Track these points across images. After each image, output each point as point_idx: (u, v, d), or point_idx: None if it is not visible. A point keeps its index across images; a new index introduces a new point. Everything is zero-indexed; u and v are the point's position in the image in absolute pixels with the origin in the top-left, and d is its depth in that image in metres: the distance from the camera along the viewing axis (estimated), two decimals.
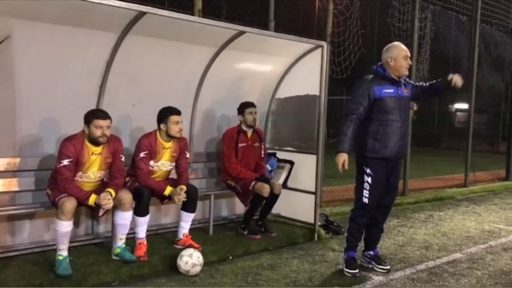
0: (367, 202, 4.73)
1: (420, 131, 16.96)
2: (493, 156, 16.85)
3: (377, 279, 4.76)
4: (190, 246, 5.04)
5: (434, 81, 4.89)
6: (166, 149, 5.05)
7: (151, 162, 5.01)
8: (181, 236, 5.22)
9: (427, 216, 7.87)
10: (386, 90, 4.64)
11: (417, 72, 9.85)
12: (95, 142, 4.41)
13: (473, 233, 6.84)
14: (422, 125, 22.27)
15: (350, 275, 4.82)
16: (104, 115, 4.42)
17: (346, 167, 4.57)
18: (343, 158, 4.52)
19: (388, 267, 4.99)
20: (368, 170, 4.70)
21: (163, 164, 5.10)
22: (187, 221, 5.23)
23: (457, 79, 4.58)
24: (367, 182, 4.70)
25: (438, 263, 5.37)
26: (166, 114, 4.95)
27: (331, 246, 5.80)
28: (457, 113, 27.31)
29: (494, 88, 14.60)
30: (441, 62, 15.68)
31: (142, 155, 4.90)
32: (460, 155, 12.72)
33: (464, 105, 22.46)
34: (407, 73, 4.73)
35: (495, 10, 12.13)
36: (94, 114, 4.40)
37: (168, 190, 4.94)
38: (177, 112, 4.97)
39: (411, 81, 4.94)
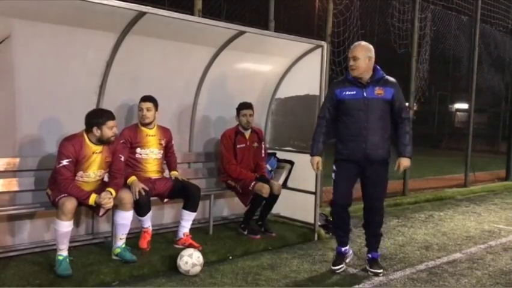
0: (333, 198, 4.88)
1: (420, 131, 16.98)
2: (493, 156, 16.85)
3: (377, 279, 4.76)
4: (190, 245, 5.05)
5: (400, 135, 4.76)
6: (151, 136, 5.15)
7: (138, 150, 5.10)
8: (181, 235, 5.23)
9: (427, 216, 7.87)
10: (347, 92, 4.69)
11: (417, 72, 9.84)
12: (104, 142, 4.45)
13: (473, 233, 6.84)
14: (422, 125, 22.29)
15: (330, 269, 4.95)
16: (113, 115, 4.49)
17: (320, 167, 4.93)
18: (315, 160, 4.86)
19: (378, 270, 4.87)
20: (334, 167, 4.89)
21: (152, 152, 5.17)
22: (188, 220, 5.24)
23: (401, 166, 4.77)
24: (332, 179, 4.90)
25: (438, 263, 5.37)
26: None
27: (331, 246, 5.79)
28: (457, 113, 27.33)
29: (494, 88, 14.59)
30: (441, 62, 15.68)
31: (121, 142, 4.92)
32: (460, 155, 12.72)
33: (464, 105, 22.48)
34: (353, 74, 4.68)
35: (495, 10, 12.13)
36: (106, 116, 4.42)
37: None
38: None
39: (395, 89, 4.71)
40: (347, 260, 5.06)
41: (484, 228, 7.16)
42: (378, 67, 4.76)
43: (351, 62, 4.67)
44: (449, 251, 5.84)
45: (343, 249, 5.00)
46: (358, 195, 5.03)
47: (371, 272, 4.86)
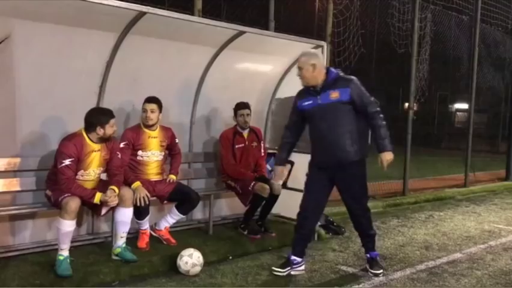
0: (302, 200, 4.82)
1: (420, 131, 17.01)
2: (493, 156, 16.84)
3: (377, 279, 4.76)
4: (167, 240, 5.18)
5: (374, 131, 4.57)
6: (153, 138, 5.13)
7: (140, 152, 5.08)
8: (162, 227, 5.27)
9: (427, 216, 7.87)
10: (305, 103, 4.66)
11: (417, 72, 9.85)
12: (105, 140, 4.49)
13: (473, 233, 6.84)
14: (422, 125, 22.30)
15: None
16: (113, 113, 4.52)
17: (284, 175, 5.11)
18: (278, 170, 4.97)
19: (377, 271, 4.82)
20: (307, 172, 4.90)
21: (153, 154, 5.16)
22: (174, 219, 5.28)
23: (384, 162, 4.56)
24: (305, 182, 4.88)
25: (438, 263, 5.37)
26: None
27: (331, 246, 5.80)
28: (457, 113, 27.32)
29: (494, 88, 14.60)
30: (441, 62, 15.69)
31: (122, 145, 4.93)
32: (460, 155, 12.70)
33: (464, 105, 22.47)
34: (302, 83, 4.66)
35: (495, 10, 12.13)
36: (109, 115, 4.46)
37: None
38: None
39: (352, 88, 4.51)
40: (293, 273, 4.74)
41: (484, 228, 7.16)
42: (331, 69, 4.65)
43: (298, 73, 4.66)
44: (449, 251, 5.84)
45: (292, 257, 4.76)
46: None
47: (371, 272, 4.84)
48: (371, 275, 4.83)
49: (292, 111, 4.86)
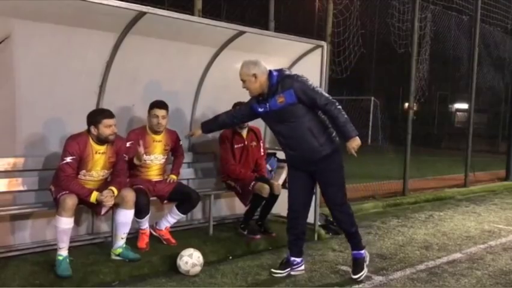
0: (288, 200, 4.78)
1: (420, 131, 17.04)
2: (493, 156, 16.85)
3: (376, 279, 4.76)
4: (167, 240, 5.17)
5: (333, 123, 4.45)
6: (157, 142, 5.12)
7: (144, 156, 5.04)
8: (162, 227, 5.26)
9: (427, 216, 7.88)
10: (260, 109, 4.63)
11: (417, 72, 9.85)
12: (103, 141, 4.45)
13: (473, 233, 6.84)
14: (422, 125, 22.34)
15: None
16: (111, 114, 4.47)
17: (193, 135, 5.38)
18: (198, 131, 5.21)
19: (355, 276, 4.62)
20: (287, 172, 4.94)
21: (156, 158, 5.15)
22: (175, 218, 5.28)
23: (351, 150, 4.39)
24: (287, 182, 4.90)
25: (438, 263, 5.38)
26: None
27: (331, 246, 5.81)
28: (457, 113, 27.36)
29: (494, 88, 14.61)
30: (441, 62, 15.72)
31: (127, 144, 4.90)
32: (460, 155, 12.71)
33: (464, 105, 22.51)
34: (250, 95, 4.66)
35: (495, 10, 12.14)
36: (103, 114, 4.43)
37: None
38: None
39: (295, 88, 4.38)
40: (293, 273, 4.74)
41: (484, 228, 7.16)
42: (272, 72, 4.53)
43: (242, 85, 4.62)
44: (449, 251, 5.84)
45: (291, 258, 4.75)
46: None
47: (352, 278, 4.63)
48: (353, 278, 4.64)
49: (245, 108, 4.89)
